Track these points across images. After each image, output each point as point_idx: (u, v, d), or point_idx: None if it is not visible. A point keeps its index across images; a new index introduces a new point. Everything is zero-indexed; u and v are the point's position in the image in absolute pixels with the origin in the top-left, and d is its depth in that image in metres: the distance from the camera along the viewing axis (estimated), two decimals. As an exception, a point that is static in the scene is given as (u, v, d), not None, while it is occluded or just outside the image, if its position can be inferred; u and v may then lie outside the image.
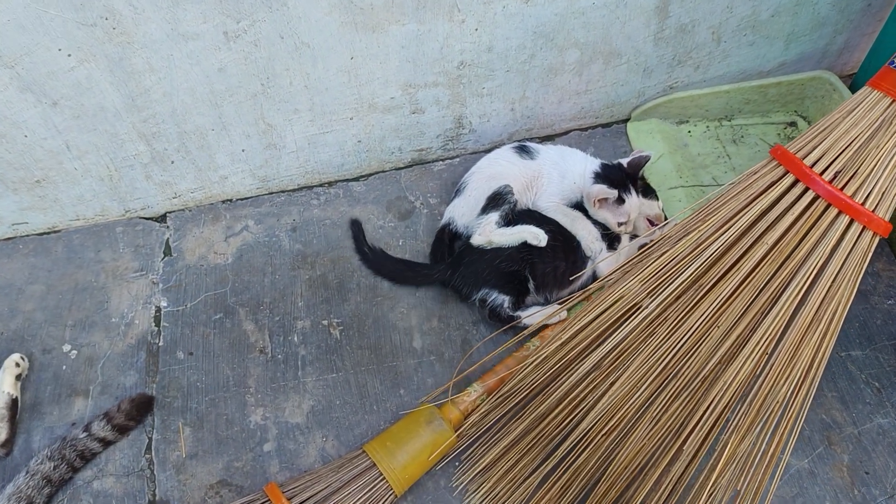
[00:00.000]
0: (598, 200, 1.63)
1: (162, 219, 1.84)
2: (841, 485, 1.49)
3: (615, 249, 1.68)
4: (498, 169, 1.73)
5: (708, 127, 2.00)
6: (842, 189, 1.25)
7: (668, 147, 1.94)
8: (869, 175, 1.24)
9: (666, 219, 1.74)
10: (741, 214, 1.32)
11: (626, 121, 2.02)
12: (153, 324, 1.67)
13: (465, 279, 1.64)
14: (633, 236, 1.75)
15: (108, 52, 1.45)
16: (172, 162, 1.70)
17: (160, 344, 1.64)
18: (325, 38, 1.54)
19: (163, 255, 1.77)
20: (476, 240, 1.63)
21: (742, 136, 1.98)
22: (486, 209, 1.66)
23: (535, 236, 1.60)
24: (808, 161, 1.29)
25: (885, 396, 1.60)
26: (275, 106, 1.64)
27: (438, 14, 1.56)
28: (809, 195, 1.28)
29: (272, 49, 1.52)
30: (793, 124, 2.00)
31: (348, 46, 1.57)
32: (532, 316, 1.59)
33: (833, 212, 1.26)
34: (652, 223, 1.72)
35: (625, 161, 1.68)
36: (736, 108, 1.99)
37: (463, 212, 1.72)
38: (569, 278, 1.64)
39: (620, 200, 1.62)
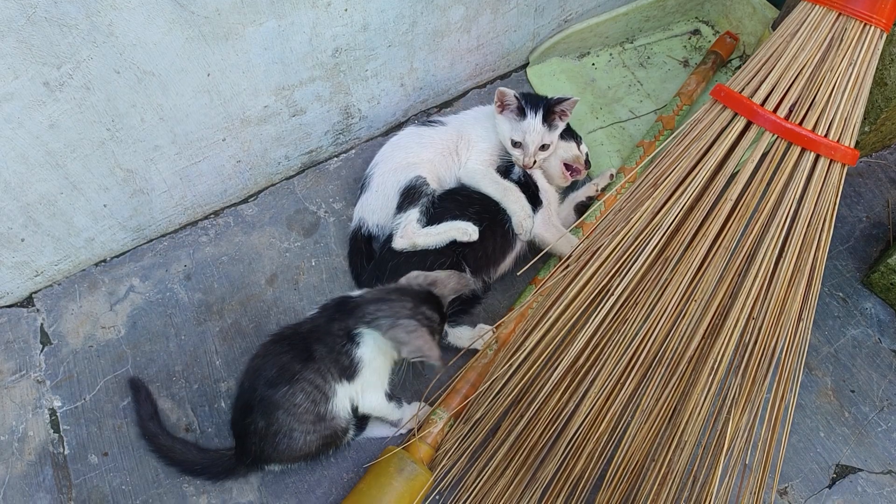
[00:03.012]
0: (501, 101, 1.49)
1: (28, 302, 1.54)
2: (830, 410, 1.43)
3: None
4: (402, 154, 1.53)
5: (611, 54, 1.83)
6: (800, 123, 1.11)
7: (576, 87, 1.77)
8: (827, 102, 1.10)
9: (588, 163, 1.59)
10: (695, 172, 1.17)
11: (524, 66, 1.83)
12: (51, 430, 1.41)
13: None
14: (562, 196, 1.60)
15: None
16: (22, 240, 1.41)
17: (66, 452, 1.39)
18: (172, 60, 1.27)
19: (41, 346, 1.49)
20: (398, 243, 1.44)
21: (648, 57, 1.82)
22: (402, 206, 1.46)
23: (465, 232, 1.42)
24: (757, 98, 1.14)
25: (851, 305, 1.55)
26: (129, 149, 1.37)
27: (299, 3, 1.32)
28: (767, 137, 1.14)
29: (109, 88, 1.25)
30: (696, 32, 1.86)
31: (201, 63, 1.31)
32: (460, 339, 1.46)
33: (796, 150, 1.12)
34: (569, 167, 1.57)
35: (554, 96, 1.52)
36: (636, 28, 1.83)
37: (373, 209, 1.53)
38: (502, 254, 1.50)
39: (522, 113, 1.47)
